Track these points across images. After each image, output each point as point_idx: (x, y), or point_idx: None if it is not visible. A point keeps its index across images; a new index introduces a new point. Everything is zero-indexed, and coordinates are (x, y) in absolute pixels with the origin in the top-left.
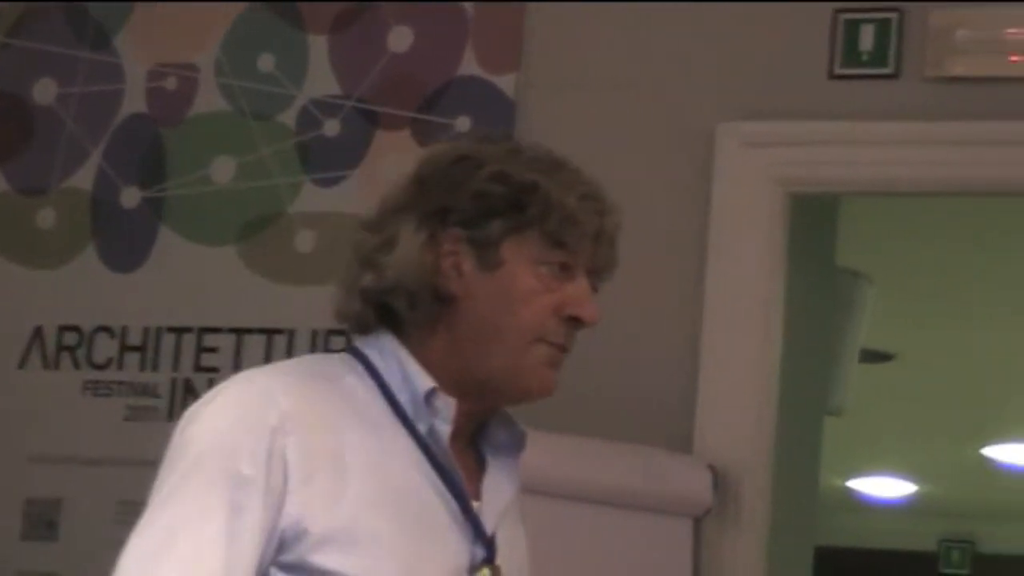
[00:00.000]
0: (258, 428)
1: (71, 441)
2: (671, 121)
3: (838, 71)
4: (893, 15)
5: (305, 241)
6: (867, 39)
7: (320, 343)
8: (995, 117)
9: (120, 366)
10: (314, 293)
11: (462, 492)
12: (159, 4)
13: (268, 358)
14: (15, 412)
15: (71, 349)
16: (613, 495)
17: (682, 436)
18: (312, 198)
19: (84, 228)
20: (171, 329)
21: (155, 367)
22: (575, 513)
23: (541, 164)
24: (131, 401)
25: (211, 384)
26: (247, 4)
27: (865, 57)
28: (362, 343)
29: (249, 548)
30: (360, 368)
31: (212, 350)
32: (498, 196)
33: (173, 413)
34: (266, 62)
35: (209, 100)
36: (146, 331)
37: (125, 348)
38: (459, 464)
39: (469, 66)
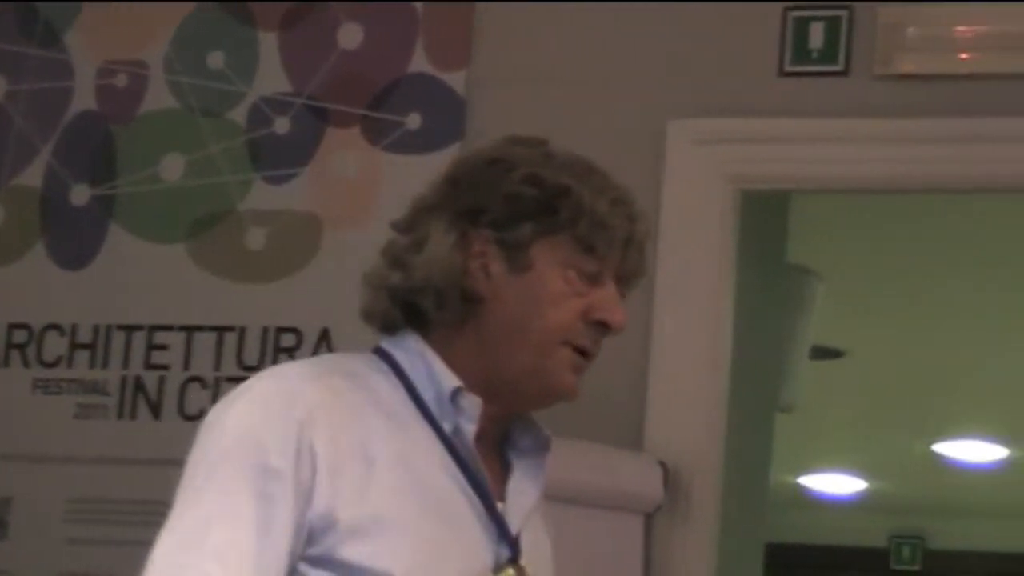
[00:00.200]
0: (286, 421)
1: (21, 439)
2: (622, 118)
3: (788, 68)
4: (843, 13)
5: (255, 239)
6: (817, 37)
7: (270, 341)
8: (945, 114)
9: (70, 364)
10: (264, 291)
11: (487, 492)
12: (110, 4)
13: (219, 356)
14: None
15: (20, 347)
16: (564, 491)
17: (633, 433)
18: (262, 195)
19: (33, 226)
20: (121, 327)
21: (105, 365)
22: None
23: (574, 169)
24: (81, 399)
25: (161, 382)
26: (197, 3)
27: (815, 55)
28: (388, 343)
29: (280, 539)
30: (385, 367)
31: (162, 348)
32: (530, 198)
33: (123, 411)
34: (216, 59)
35: (159, 97)
36: (96, 329)
37: (75, 346)
38: (484, 466)
39: (419, 63)
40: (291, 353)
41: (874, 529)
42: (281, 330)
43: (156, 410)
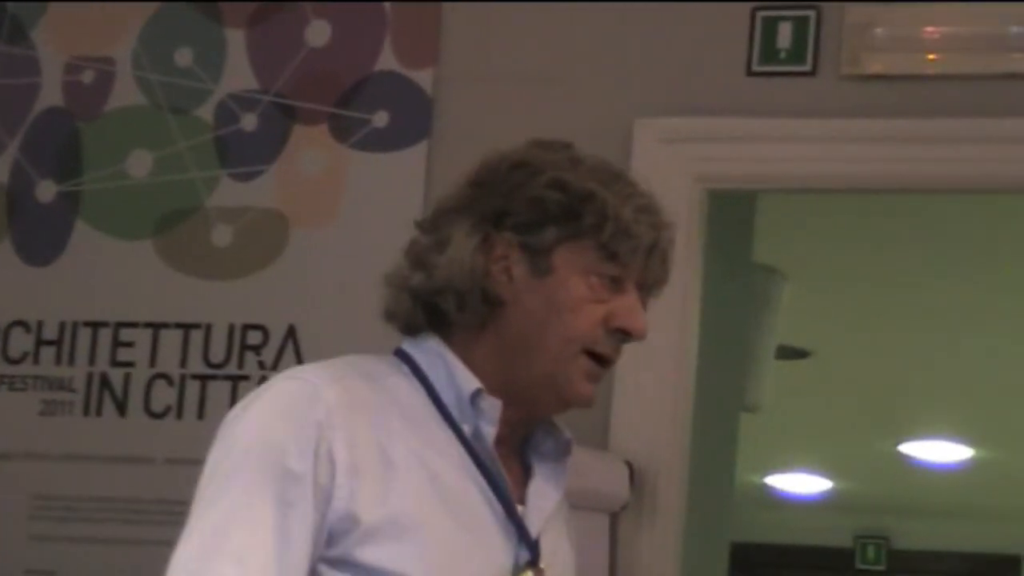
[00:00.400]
0: (305, 423)
1: None
2: (589, 116)
3: (756, 68)
4: (811, 13)
5: (222, 235)
6: (785, 36)
7: (237, 338)
8: (912, 115)
9: (35, 360)
10: (231, 287)
11: (506, 494)
12: (77, 1)
13: (185, 353)
14: None
15: None
16: None
17: (598, 432)
18: (229, 192)
19: None
20: (87, 323)
21: (71, 361)
22: None
23: (600, 174)
24: (46, 396)
25: (127, 379)
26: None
27: (783, 54)
28: (408, 345)
29: (300, 543)
30: (405, 369)
31: (128, 344)
32: (554, 203)
33: (89, 408)
34: (184, 56)
35: (126, 94)
36: (62, 325)
37: (40, 342)
38: (504, 469)
39: (387, 61)
40: (257, 350)
41: (839, 529)
42: (247, 327)
43: (122, 407)
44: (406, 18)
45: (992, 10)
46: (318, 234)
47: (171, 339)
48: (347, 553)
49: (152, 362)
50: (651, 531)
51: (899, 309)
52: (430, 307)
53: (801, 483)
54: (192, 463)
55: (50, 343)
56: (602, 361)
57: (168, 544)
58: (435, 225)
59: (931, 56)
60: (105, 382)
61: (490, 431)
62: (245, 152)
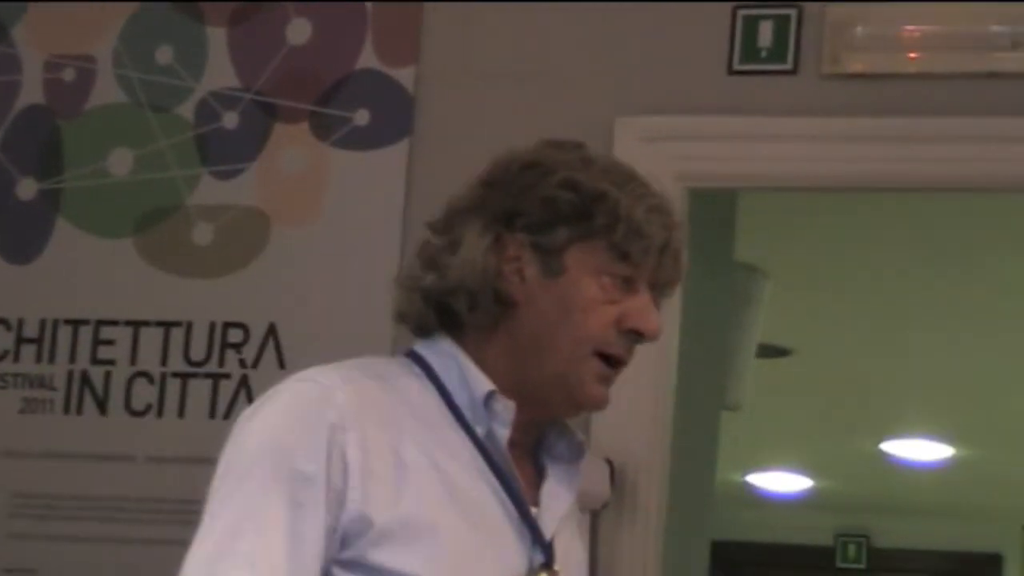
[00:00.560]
0: (317, 425)
1: None
2: (570, 115)
3: (737, 67)
4: (792, 11)
5: (203, 234)
6: (766, 35)
7: (217, 336)
8: (893, 114)
9: (16, 358)
10: (212, 286)
11: (520, 496)
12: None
13: (165, 351)
14: None
15: None
16: None
17: (579, 431)
18: (210, 190)
19: None
20: (67, 321)
21: (51, 359)
22: None
23: (612, 174)
24: (27, 393)
25: (107, 377)
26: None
27: (764, 53)
28: (420, 346)
29: (312, 545)
30: (417, 370)
31: (109, 343)
32: (566, 203)
33: (69, 406)
34: (164, 54)
35: (107, 92)
36: (42, 323)
37: (21, 340)
38: (517, 470)
39: (368, 59)
40: (238, 349)
41: (820, 527)
42: (228, 325)
43: (102, 405)
44: (387, 16)
45: (972, 9)
46: (299, 232)
47: (152, 337)
48: (360, 555)
49: (133, 360)
50: (632, 529)
51: (880, 308)
52: (442, 308)
53: (782, 481)
54: (173, 461)
55: (31, 341)
56: (614, 363)
57: (149, 542)
58: (447, 226)
59: (912, 55)
60: (86, 380)
61: (504, 433)
62: (226, 150)
